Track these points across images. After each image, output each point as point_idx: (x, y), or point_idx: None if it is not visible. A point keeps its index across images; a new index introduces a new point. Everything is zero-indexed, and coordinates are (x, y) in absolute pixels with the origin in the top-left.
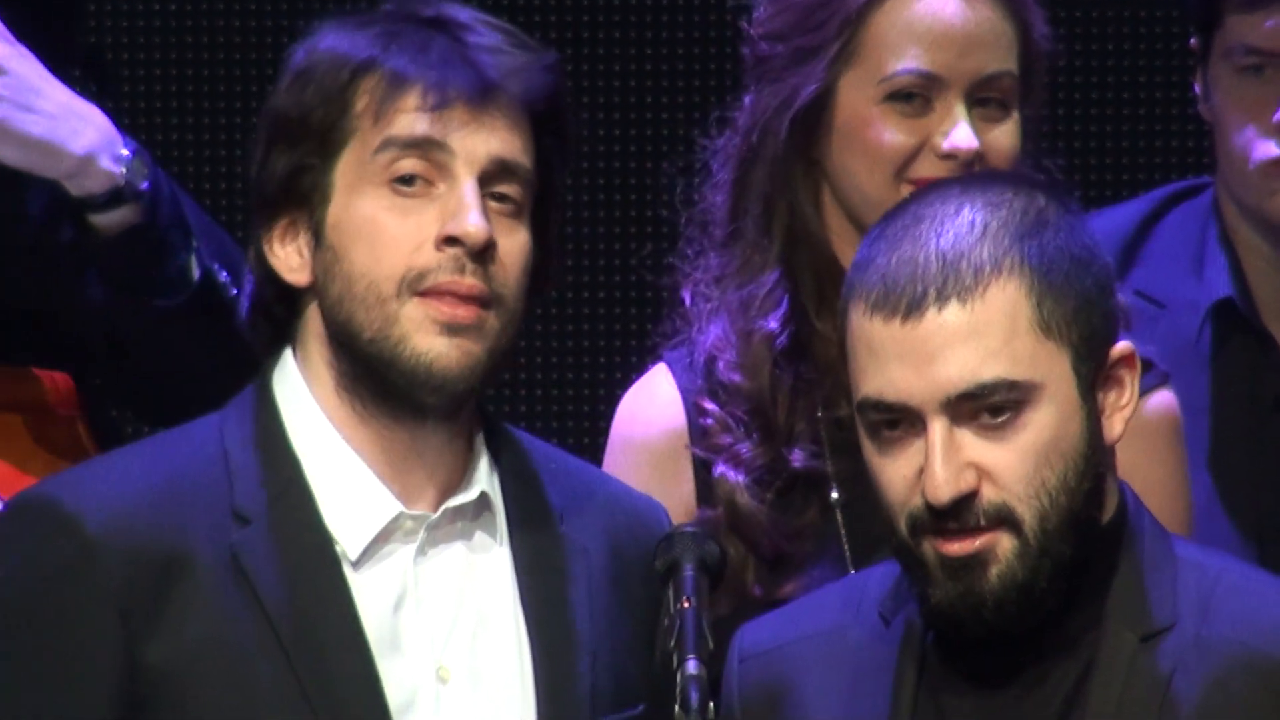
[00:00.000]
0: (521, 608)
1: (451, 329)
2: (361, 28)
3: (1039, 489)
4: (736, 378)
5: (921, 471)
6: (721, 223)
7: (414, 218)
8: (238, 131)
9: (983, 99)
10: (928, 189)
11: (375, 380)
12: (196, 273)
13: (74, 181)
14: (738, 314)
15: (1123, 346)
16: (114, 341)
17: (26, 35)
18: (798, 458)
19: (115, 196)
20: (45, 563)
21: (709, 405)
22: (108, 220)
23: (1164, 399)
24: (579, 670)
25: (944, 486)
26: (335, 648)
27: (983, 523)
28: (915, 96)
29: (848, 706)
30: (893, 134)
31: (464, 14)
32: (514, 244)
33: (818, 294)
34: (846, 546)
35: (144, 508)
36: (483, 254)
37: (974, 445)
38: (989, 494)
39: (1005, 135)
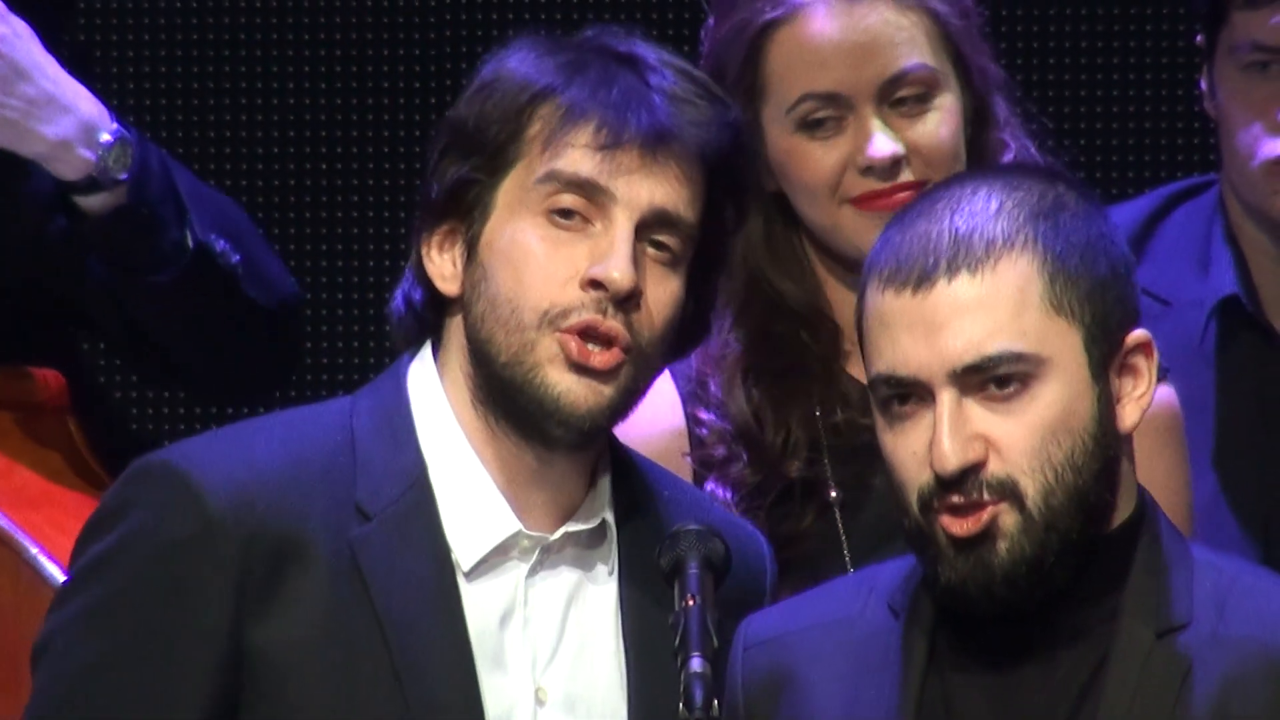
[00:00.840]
0: (624, 639)
1: (583, 369)
2: (551, 53)
3: (1044, 463)
4: (723, 396)
5: (931, 445)
6: None
7: (565, 251)
8: (243, 95)
9: (897, 99)
10: (950, 178)
11: (507, 403)
12: (191, 246)
13: (50, 166)
14: (714, 342)
15: (1140, 334)
16: (127, 323)
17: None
18: (794, 468)
19: (92, 184)
20: (164, 534)
21: (704, 415)
22: (91, 203)
23: (1163, 394)
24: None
25: (950, 456)
26: (440, 656)
27: (986, 496)
28: (825, 118)
29: (853, 694)
30: (815, 161)
31: (654, 54)
32: (663, 293)
33: (797, 314)
34: (846, 547)
35: (267, 490)
36: (626, 300)
37: (982, 417)
38: (994, 466)
39: (932, 125)
